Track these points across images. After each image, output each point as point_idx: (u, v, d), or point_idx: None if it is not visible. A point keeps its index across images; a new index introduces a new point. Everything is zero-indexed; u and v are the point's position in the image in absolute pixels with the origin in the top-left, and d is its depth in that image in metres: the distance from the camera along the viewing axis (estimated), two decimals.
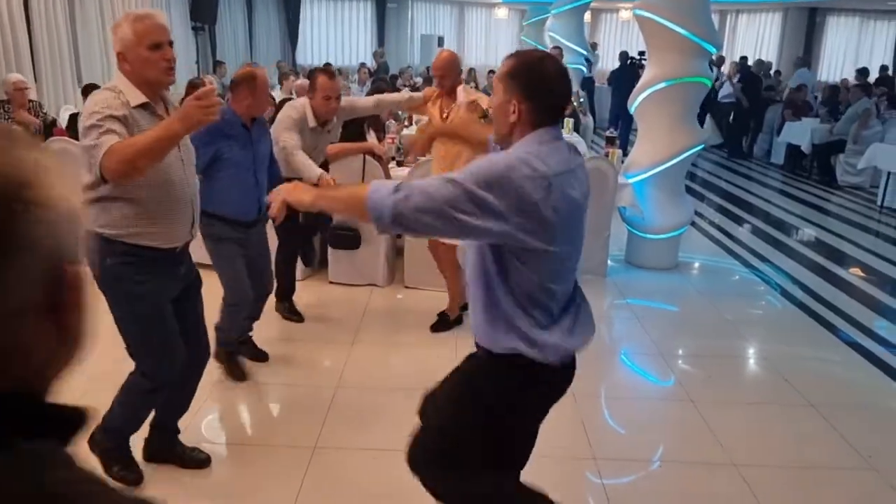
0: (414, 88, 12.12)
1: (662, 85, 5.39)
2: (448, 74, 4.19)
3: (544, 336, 1.90)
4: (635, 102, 5.63)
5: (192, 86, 8.24)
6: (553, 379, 2.02)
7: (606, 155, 5.67)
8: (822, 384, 3.97)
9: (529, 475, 2.23)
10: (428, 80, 12.48)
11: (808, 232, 7.49)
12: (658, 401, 3.84)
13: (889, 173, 8.46)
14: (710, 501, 2.94)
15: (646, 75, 5.58)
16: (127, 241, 2.44)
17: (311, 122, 4.03)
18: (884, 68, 14.02)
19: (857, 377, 4.13)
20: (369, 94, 9.66)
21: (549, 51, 10.01)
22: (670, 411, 3.68)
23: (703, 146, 5.69)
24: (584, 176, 1.96)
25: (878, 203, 8.63)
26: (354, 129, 5.12)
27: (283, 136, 3.88)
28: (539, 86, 1.85)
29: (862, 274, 6.13)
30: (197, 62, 12.16)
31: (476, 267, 1.93)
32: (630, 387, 4.06)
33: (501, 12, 18.14)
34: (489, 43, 18.41)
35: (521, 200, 1.73)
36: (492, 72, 12.03)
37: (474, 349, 2.06)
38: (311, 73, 4.17)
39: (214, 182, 3.33)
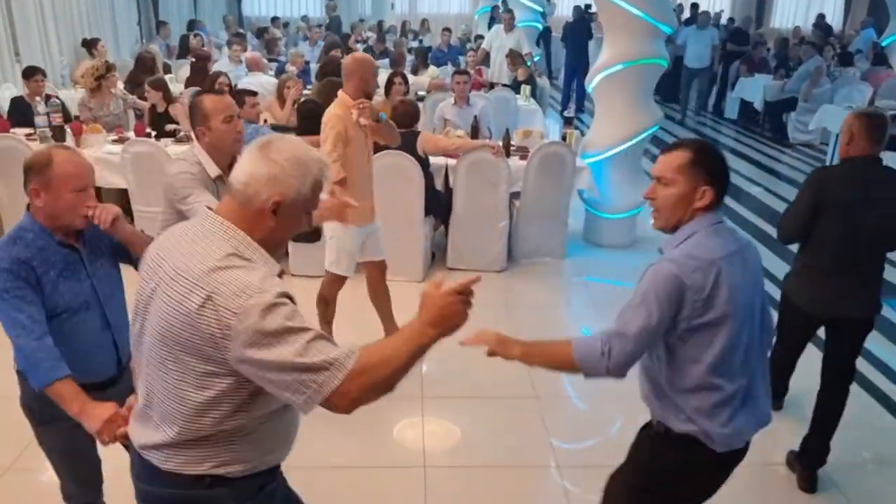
0: (366, 47, 11.86)
1: (619, 67, 5.38)
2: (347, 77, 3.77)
3: (715, 428, 1.97)
4: (593, 83, 5.62)
5: (141, 60, 7.94)
6: (724, 462, 2.08)
7: (564, 137, 5.68)
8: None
9: (491, 483, 2.28)
10: (382, 38, 12.21)
11: (759, 194, 7.66)
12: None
13: (838, 136, 8.62)
14: None
15: (602, 56, 5.56)
16: None
17: (213, 171, 2.76)
18: (821, 17, 14.23)
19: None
20: (321, 54, 9.48)
21: (500, 14, 9.83)
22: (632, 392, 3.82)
23: (658, 126, 5.74)
24: (752, 255, 2.04)
25: (828, 162, 8.85)
26: (311, 119, 5.02)
27: (194, 205, 2.58)
28: (722, 168, 1.97)
29: None
30: (139, 23, 11.63)
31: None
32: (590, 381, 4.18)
33: None
34: None
35: (695, 295, 1.87)
36: (447, 29, 11.79)
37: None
38: (192, 99, 2.93)
39: None
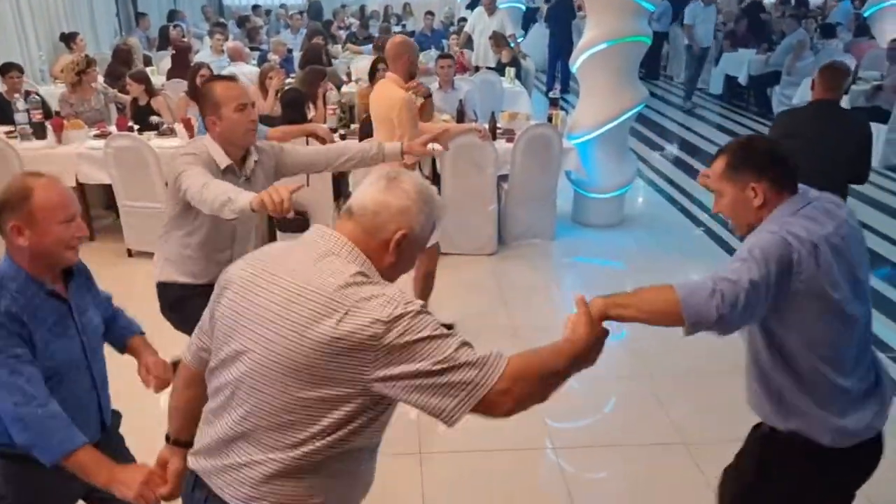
0: (349, 33, 11.77)
1: (603, 46, 5.36)
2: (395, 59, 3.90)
3: (832, 419, 1.84)
4: (577, 62, 5.60)
5: (119, 53, 7.85)
6: (849, 460, 1.89)
7: (550, 119, 5.66)
8: None
9: (488, 469, 2.28)
10: (365, 24, 12.12)
11: None
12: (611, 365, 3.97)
13: None
14: (664, 480, 3.12)
15: (586, 36, 5.54)
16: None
17: (223, 161, 2.64)
18: None
19: None
20: (304, 42, 9.39)
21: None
22: (624, 371, 3.84)
23: (644, 105, 5.73)
24: (850, 232, 1.87)
25: None
26: (295, 108, 5.00)
27: (183, 178, 2.50)
28: (767, 158, 1.88)
29: None
30: (117, 15, 11.48)
31: (749, 338, 1.94)
32: None
33: None
34: None
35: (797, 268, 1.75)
36: (430, 13, 11.70)
37: None
38: (201, 85, 2.84)
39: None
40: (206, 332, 1.64)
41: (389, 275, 1.53)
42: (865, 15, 11.58)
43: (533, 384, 1.46)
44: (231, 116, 2.57)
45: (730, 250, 5.50)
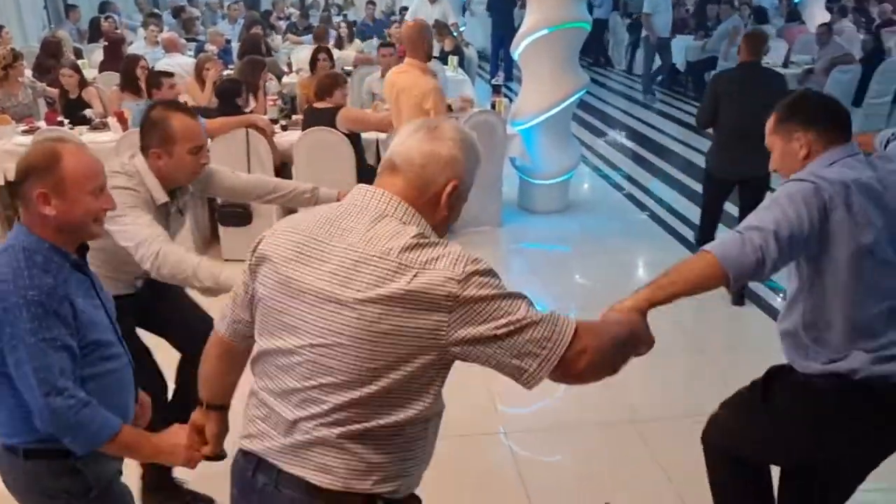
0: (289, 23, 11.56)
1: (544, 32, 5.38)
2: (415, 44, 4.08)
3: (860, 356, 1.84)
4: (518, 49, 5.62)
5: (46, 45, 7.54)
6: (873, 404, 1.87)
7: (493, 106, 5.67)
8: (709, 324, 4.29)
9: (440, 453, 2.26)
10: (305, 13, 11.92)
11: (684, 153, 7.84)
12: None
13: None
14: (612, 459, 3.17)
15: (526, 22, 5.55)
16: None
17: (160, 198, 2.38)
18: None
19: (736, 310, 4.47)
20: (242, 32, 9.18)
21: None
22: None
23: (586, 90, 5.78)
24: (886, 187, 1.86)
25: None
26: (229, 97, 4.88)
27: (121, 223, 2.20)
28: (817, 108, 1.95)
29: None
30: (45, 7, 11.05)
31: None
32: None
33: None
34: None
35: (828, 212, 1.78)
36: (371, 2, 11.57)
37: None
38: (154, 111, 2.40)
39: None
40: (242, 305, 1.56)
41: (441, 230, 1.47)
42: (796, 1, 11.95)
43: (604, 345, 1.44)
44: (183, 157, 2.33)
45: (674, 234, 5.61)
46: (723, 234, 1.93)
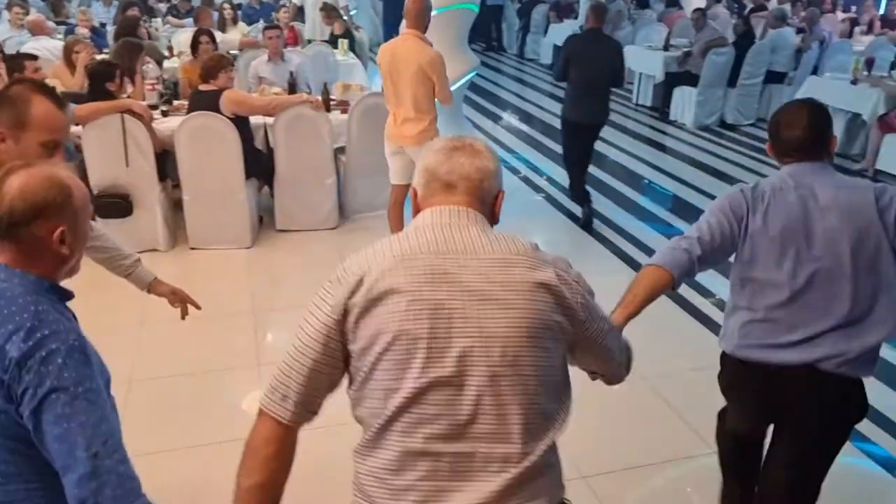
0: (170, 6, 11.00)
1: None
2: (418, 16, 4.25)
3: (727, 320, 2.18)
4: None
5: None
6: (741, 373, 2.15)
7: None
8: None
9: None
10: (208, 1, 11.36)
11: None
12: None
13: (640, 74, 9.25)
14: None
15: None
16: None
17: None
18: None
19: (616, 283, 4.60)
20: (117, 14, 8.64)
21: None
22: None
23: (476, 72, 5.80)
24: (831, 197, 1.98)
25: (634, 101, 9.46)
26: (100, 81, 4.58)
27: None
28: (772, 125, 2.14)
29: (618, 170, 6.76)
30: None
31: None
32: None
33: None
34: None
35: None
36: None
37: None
38: (13, 84, 2.02)
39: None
40: (324, 370, 1.37)
41: None
42: None
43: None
44: (31, 148, 1.88)
45: (569, 214, 5.74)
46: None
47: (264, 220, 5.28)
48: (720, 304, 4.12)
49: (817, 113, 2.08)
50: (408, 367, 1.31)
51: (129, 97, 4.90)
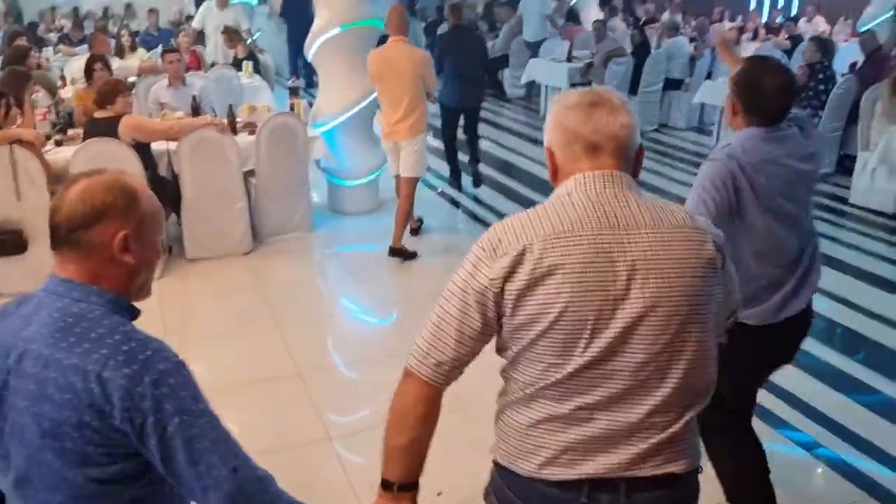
0: (61, 35, 10.56)
1: (337, 31, 5.32)
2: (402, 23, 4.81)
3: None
4: (311, 49, 5.50)
5: None
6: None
7: (291, 108, 5.51)
8: None
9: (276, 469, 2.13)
10: (79, 24, 10.94)
11: (488, 147, 8.14)
12: (385, 355, 3.93)
13: (547, 86, 9.47)
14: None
15: (318, 21, 5.45)
16: None
17: None
18: None
19: None
20: (4, 44, 8.17)
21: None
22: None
23: None
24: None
25: (541, 113, 9.67)
26: None
27: None
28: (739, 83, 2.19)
29: (527, 179, 6.87)
30: None
31: None
32: (356, 348, 4.14)
33: None
34: None
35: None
36: (153, 10, 10.85)
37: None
38: None
39: None
40: (478, 337, 1.38)
41: None
42: (573, 3, 12.89)
43: None
44: None
45: (487, 226, 5.76)
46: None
47: (173, 250, 5.07)
48: None
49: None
50: (572, 346, 1.32)
51: (18, 126, 4.62)
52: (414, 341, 1.44)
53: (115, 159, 4.38)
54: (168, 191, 4.83)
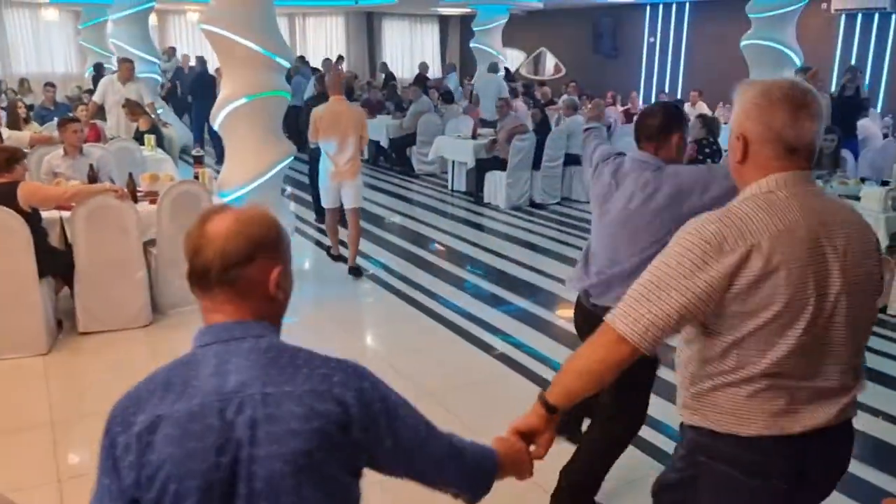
0: None
1: (243, 101, 5.29)
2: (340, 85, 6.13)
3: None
4: (217, 119, 5.45)
5: None
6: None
7: (196, 177, 5.39)
8: (429, 369, 4.37)
9: None
10: None
11: (400, 221, 8.21)
12: None
13: (454, 161, 9.71)
14: None
15: (223, 91, 5.42)
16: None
17: None
18: (424, 66, 15.89)
19: (457, 357, 4.63)
20: None
21: (118, 60, 9.15)
22: None
23: (292, 157, 5.77)
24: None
25: (449, 188, 9.88)
26: None
27: None
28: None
29: (441, 250, 6.94)
30: None
31: None
32: None
33: (50, 14, 16.01)
34: (40, 47, 16.11)
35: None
36: (50, 85, 10.54)
37: None
38: None
39: None
40: (700, 307, 1.50)
41: None
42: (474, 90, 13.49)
43: None
44: None
45: (400, 294, 5.73)
46: None
47: (64, 324, 4.76)
48: None
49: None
50: (791, 329, 1.49)
51: None
52: (627, 308, 1.54)
53: (3, 227, 4.14)
54: (59, 261, 4.57)
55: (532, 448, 1.64)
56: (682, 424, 1.74)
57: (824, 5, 11.59)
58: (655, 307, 1.50)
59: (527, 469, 1.62)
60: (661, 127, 2.58)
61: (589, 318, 2.68)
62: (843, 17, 11.93)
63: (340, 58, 13.51)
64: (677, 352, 1.72)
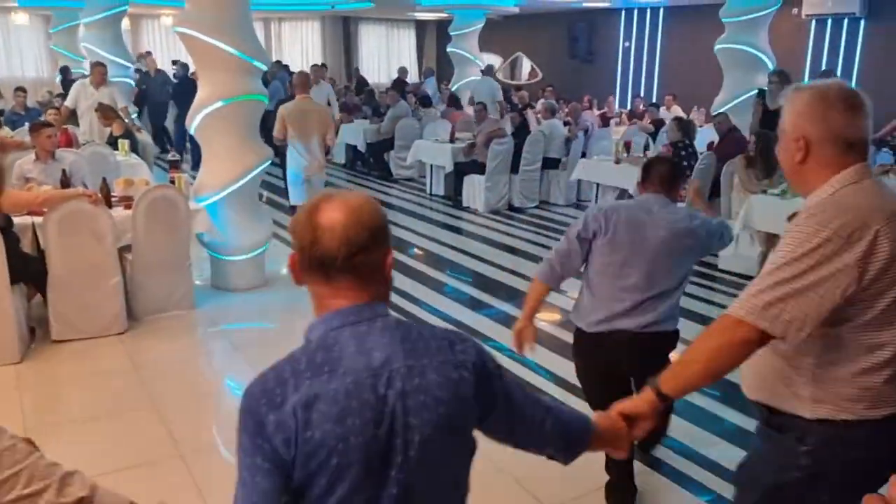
0: None
1: (219, 104, 5.24)
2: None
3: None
4: (194, 123, 5.39)
5: None
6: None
7: (172, 181, 5.32)
8: None
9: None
10: None
11: None
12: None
13: (432, 165, 9.70)
14: None
15: (200, 94, 5.37)
16: None
17: None
18: (403, 70, 15.88)
19: None
20: None
21: (91, 64, 9.03)
22: None
23: (270, 161, 5.73)
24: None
25: (428, 192, 9.87)
26: None
27: None
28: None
29: (420, 254, 6.92)
30: None
31: None
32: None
33: (20, 18, 15.77)
34: (10, 52, 15.86)
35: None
36: (21, 89, 10.36)
37: None
38: None
39: None
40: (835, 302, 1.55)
41: None
42: (453, 89, 13.49)
43: None
44: None
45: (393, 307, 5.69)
46: None
47: (37, 332, 4.67)
48: None
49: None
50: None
51: None
52: (756, 301, 1.57)
53: None
54: (32, 267, 4.48)
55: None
56: (786, 421, 1.71)
57: (795, 10, 11.76)
58: (793, 304, 1.55)
59: (624, 445, 1.70)
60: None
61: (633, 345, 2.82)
62: (814, 22, 12.13)
63: (324, 66, 13.50)
64: (771, 344, 1.65)
